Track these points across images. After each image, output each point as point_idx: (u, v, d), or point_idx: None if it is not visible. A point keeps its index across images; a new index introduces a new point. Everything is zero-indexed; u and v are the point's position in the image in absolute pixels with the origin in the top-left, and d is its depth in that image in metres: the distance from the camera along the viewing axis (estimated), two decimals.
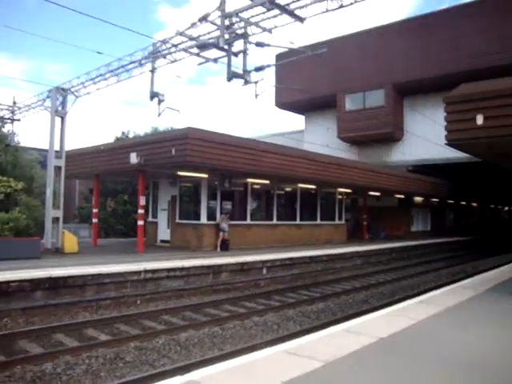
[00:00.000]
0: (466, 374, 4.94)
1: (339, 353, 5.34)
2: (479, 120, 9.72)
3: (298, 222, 24.95)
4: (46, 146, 18.95)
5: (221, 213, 20.57)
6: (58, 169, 18.37)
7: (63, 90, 18.40)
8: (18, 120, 22.85)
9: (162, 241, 22.25)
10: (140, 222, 19.03)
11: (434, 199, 37.52)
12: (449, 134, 10.43)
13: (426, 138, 29.46)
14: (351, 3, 10.29)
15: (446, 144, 10.88)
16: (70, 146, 21.16)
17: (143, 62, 15.73)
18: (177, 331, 9.19)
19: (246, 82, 12.91)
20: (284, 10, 11.10)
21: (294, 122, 49.50)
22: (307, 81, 31.23)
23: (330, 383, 4.55)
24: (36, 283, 11.42)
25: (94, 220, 22.54)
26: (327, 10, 10.76)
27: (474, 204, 48.28)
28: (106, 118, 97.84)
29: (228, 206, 22.37)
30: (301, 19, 11.27)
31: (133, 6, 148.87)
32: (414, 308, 8.50)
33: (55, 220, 17.90)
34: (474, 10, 27.19)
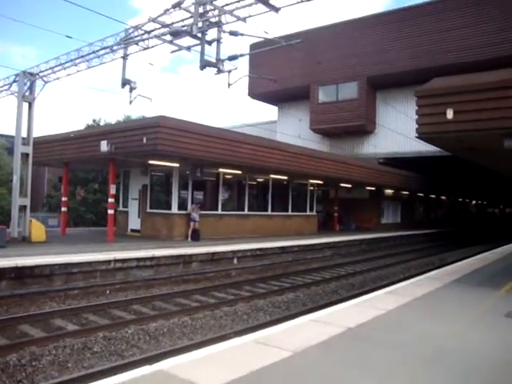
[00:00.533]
0: (430, 362, 5.04)
1: (307, 343, 5.39)
2: (449, 114, 9.87)
3: (269, 212, 25.00)
4: (13, 133, 18.45)
5: (192, 203, 20.45)
6: (25, 156, 17.92)
7: (31, 74, 17.89)
8: None
9: (133, 230, 22.01)
10: (110, 211, 18.77)
11: (405, 192, 38.09)
12: (420, 128, 10.58)
13: (398, 131, 29.84)
14: None
15: (416, 137, 11.02)
16: (38, 132, 20.71)
17: (115, 48, 15.40)
18: (146, 321, 9.12)
19: (219, 71, 12.82)
20: None
21: (268, 112, 49.55)
22: (281, 71, 31.18)
23: (298, 372, 4.59)
24: (1, 273, 11.16)
25: (63, 209, 22.12)
26: (302, 1, 10.73)
27: (443, 197, 49.24)
28: (76, 104, 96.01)
29: (199, 195, 22.27)
30: (275, 9, 11.21)
31: None
32: (382, 298, 8.63)
33: (22, 208, 17.48)
34: (447, 6, 27.55)
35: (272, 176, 24.37)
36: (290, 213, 26.68)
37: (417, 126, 10.59)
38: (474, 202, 63.47)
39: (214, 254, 16.28)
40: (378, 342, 5.77)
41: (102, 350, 7.48)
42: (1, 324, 8.55)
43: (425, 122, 10.46)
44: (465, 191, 50.55)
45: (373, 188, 33.06)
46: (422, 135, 10.68)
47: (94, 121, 35.56)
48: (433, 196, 45.07)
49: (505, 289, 10.10)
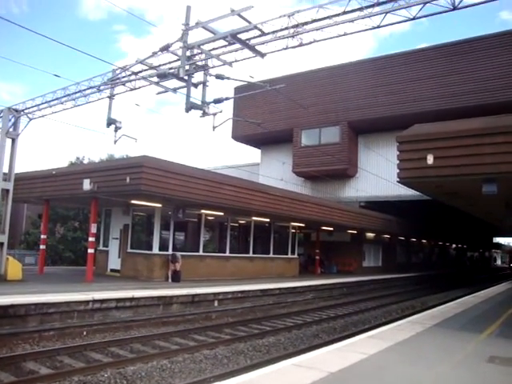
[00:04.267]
0: None
1: None
2: (429, 160, 10.10)
3: (250, 254, 24.86)
4: None
5: (173, 245, 20.28)
6: (5, 192, 17.71)
7: (16, 111, 17.91)
8: None
9: (112, 270, 21.65)
10: (90, 250, 18.48)
11: (386, 235, 38.31)
12: (400, 172, 10.79)
13: (379, 175, 30.31)
14: (310, 42, 10.59)
15: (397, 181, 11.21)
16: (20, 168, 20.50)
17: (102, 87, 15.58)
18: (124, 364, 8.89)
19: (204, 114, 12.98)
20: (245, 44, 11.31)
21: (251, 154, 50.08)
22: (265, 115, 31.77)
23: None
24: None
25: (42, 246, 21.70)
26: (287, 47, 11.04)
27: (424, 241, 49.60)
28: (60, 142, 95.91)
29: (181, 236, 22.11)
30: (261, 54, 11.50)
31: (95, 34, 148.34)
32: (364, 343, 8.56)
33: None
34: (424, 55, 28.65)
35: (254, 218, 24.37)
36: (271, 255, 26.55)
37: (398, 171, 10.80)
38: (454, 245, 64.02)
39: (194, 295, 16.05)
40: None
41: None
42: None
43: (406, 167, 10.68)
44: (445, 235, 51.05)
45: (354, 231, 33.21)
46: (403, 180, 10.87)
47: (77, 158, 35.49)
48: (413, 239, 45.38)
49: (486, 332, 10.11)
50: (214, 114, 13.34)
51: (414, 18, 9.35)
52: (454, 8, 8.93)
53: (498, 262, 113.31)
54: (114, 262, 21.65)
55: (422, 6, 9.20)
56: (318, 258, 32.12)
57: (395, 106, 28.79)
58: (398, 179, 10.95)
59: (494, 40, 26.29)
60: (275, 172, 33.39)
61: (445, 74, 27.21)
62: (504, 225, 22.88)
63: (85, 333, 11.53)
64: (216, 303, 16.78)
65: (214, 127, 13.39)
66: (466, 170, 9.69)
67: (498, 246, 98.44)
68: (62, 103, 16.77)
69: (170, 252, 19.98)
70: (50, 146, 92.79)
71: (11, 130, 17.94)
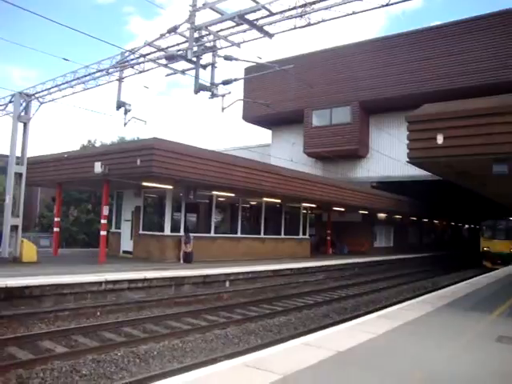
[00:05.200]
0: None
1: (298, 366, 5.37)
2: (439, 139, 10.01)
3: (262, 235, 24.99)
4: (7, 152, 18.48)
5: (185, 226, 20.43)
6: (18, 176, 17.92)
7: (27, 95, 18.03)
8: None
9: (125, 252, 21.94)
10: (103, 232, 18.73)
11: (397, 216, 38.20)
12: (410, 152, 10.71)
13: (391, 155, 30.10)
14: (318, 22, 10.49)
15: (407, 162, 11.15)
16: (33, 152, 20.73)
17: (111, 70, 15.58)
18: (136, 343, 9.05)
19: (213, 95, 12.96)
20: (253, 25, 11.23)
21: (262, 135, 49.92)
22: (275, 95, 31.56)
23: None
24: None
25: (56, 229, 22.05)
26: (295, 27, 10.94)
27: (436, 221, 49.38)
28: (72, 125, 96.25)
29: (193, 218, 22.25)
30: (269, 35, 11.42)
31: (106, 16, 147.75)
32: (374, 322, 8.62)
33: (14, 228, 17.40)
34: (436, 34, 28.15)
35: (265, 199, 24.43)
36: (282, 236, 26.67)
37: (408, 151, 10.74)
38: (466, 226, 63.65)
39: (206, 276, 16.22)
40: (368, 365, 5.76)
41: (91, 372, 7.41)
42: None
43: (416, 147, 10.60)
44: (458, 215, 50.75)
45: (365, 212, 33.16)
46: (413, 160, 10.81)
47: (89, 142, 35.73)
48: (425, 220, 45.20)
49: (496, 313, 10.13)
50: (223, 96, 13.33)
51: None
52: None
53: None
54: (127, 244, 21.92)
55: None
56: (329, 238, 32.19)
57: (407, 85, 28.43)
58: (408, 159, 10.89)
59: (499, 19, 25.79)
60: (286, 153, 33.29)
61: (459, 52, 26.75)
62: None
63: (98, 313, 11.75)
64: (227, 284, 16.95)
65: (222, 108, 13.38)
66: (475, 149, 9.59)
67: None
68: (71, 87, 16.83)
69: (182, 233, 20.14)
70: (61, 129, 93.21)
71: (23, 114, 18.09)
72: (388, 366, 5.75)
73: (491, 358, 6.41)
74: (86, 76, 16.37)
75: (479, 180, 13.56)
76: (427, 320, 9.11)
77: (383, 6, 9.74)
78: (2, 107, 18.89)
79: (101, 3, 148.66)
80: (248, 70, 31.70)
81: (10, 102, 18.37)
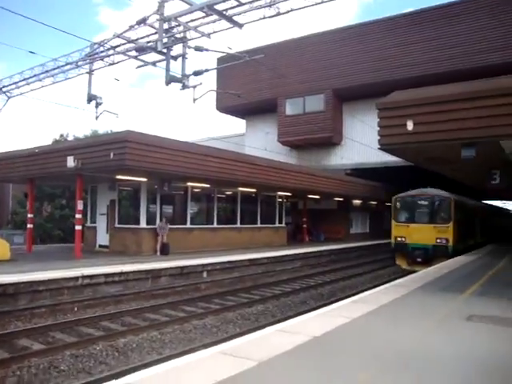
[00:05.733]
0: (393, 367, 5.19)
1: (274, 352, 5.47)
2: (409, 126, 10.20)
3: (238, 225, 25.08)
4: None
5: (160, 217, 20.37)
6: None
7: None
8: None
9: (101, 246, 21.78)
10: (78, 227, 18.55)
11: (373, 202, 38.64)
12: (381, 139, 10.89)
13: (364, 142, 30.39)
14: (287, 11, 10.53)
15: (379, 148, 11.32)
16: (2, 148, 20.34)
17: (80, 63, 15.40)
18: (115, 337, 9.08)
19: (184, 87, 12.93)
20: (222, 15, 11.23)
21: (237, 125, 49.78)
22: (248, 85, 31.56)
23: (263, 381, 4.67)
24: None
25: (29, 225, 21.72)
26: (264, 17, 10.97)
27: None
28: (43, 119, 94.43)
29: (168, 210, 22.20)
30: (239, 25, 11.43)
31: (74, 7, 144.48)
32: (349, 307, 8.78)
33: None
34: (409, 21, 28.42)
35: (240, 189, 24.48)
36: (259, 225, 26.80)
37: (379, 138, 10.91)
38: None
39: (183, 267, 16.25)
40: (343, 349, 5.90)
41: (69, 368, 7.42)
42: None
43: (386, 134, 10.78)
44: None
45: (341, 199, 33.45)
46: (384, 146, 11.00)
47: (61, 136, 35.18)
48: None
49: (468, 292, 10.42)
50: (194, 87, 13.30)
51: None
52: None
53: None
54: (103, 238, 21.76)
55: None
56: (305, 226, 32.45)
57: (379, 72, 28.66)
58: (379, 146, 11.06)
59: (473, 4, 26.17)
60: (261, 142, 33.37)
61: (429, 39, 27.04)
62: (486, 189, 23.18)
63: (76, 308, 11.70)
64: (205, 274, 17.01)
65: (194, 99, 13.37)
66: (444, 135, 9.80)
67: None
68: (40, 80, 16.61)
69: (158, 223, 20.12)
70: (33, 124, 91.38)
71: None
72: (362, 348, 5.89)
73: (461, 337, 6.61)
74: (54, 69, 16.16)
75: (449, 165, 13.84)
76: (401, 302, 9.31)
77: None
78: None
79: None
80: (220, 60, 31.51)
81: None
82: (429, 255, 19.82)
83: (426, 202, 21.05)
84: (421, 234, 20.27)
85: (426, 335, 6.66)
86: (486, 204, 36.62)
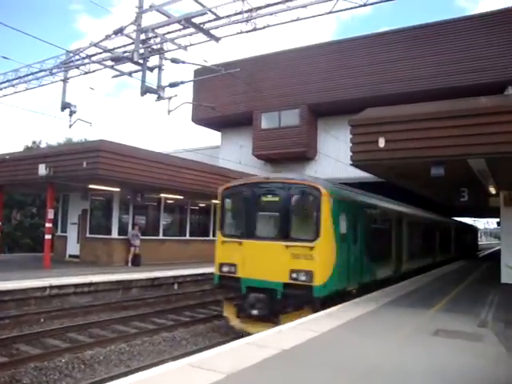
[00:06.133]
0: (360, 380, 5.24)
1: (242, 365, 5.48)
2: (381, 143, 10.39)
3: (211, 237, 24.98)
4: None
5: (132, 227, 20.18)
6: None
7: None
8: None
9: (71, 256, 21.43)
10: (47, 236, 18.23)
11: None
12: (354, 155, 11.05)
13: (338, 157, 30.65)
14: (264, 27, 10.67)
15: (351, 164, 11.48)
16: None
17: (54, 71, 15.25)
18: (82, 349, 8.95)
19: (160, 98, 12.93)
20: (199, 28, 11.31)
21: (212, 137, 49.86)
22: (224, 98, 31.64)
23: None
24: None
25: None
26: (241, 32, 11.09)
27: None
28: (16, 126, 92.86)
29: (141, 220, 22.01)
30: (216, 38, 11.51)
31: (53, 13, 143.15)
32: (319, 321, 8.82)
33: None
34: (385, 39, 28.98)
35: (214, 201, 24.39)
36: None
37: (351, 154, 11.07)
38: None
39: (154, 279, 16.11)
40: (312, 362, 5.93)
41: (32, 381, 7.28)
42: None
43: (358, 150, 10.95)
44: None
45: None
46: (356, 162, 11.16)
47: (33, 143, 34.64)
48: None
49: (435, 308, 10.59)
50: (169, 98, 13.31)
51: (364, 5, 9.54)
52: None
53: None
54: (73, 248, 21.43)
55: None
56: None
57: (354, 89, 29.06)
58: (351, 162, 11.22)
59: (450, 25, 26.83)
60: (235, 155, 33.37)
61: (404, 58, 27.55)
62: (456, 206, 23.65)
63: (42, 320, 11.48)
64: (176, 286, 16.89)
65: (169, 111, 13.36)
66: (415, 153, 10.01)
67: None
68: (13, 86, 16.38)
69: (130, 232, 19.92)
70: (4, 130, 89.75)
71: None
72: (331, 362, 5.94)
73: (426, 351, 6.72)
74: (28, 75, 15.97)
75: (420, 181, 14.11)
76: (370, 317, 9.41)
77: (327, 13, 10.03)
78: None
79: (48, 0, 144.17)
80: (197, 72, 31.53)
81: None
82: (276, 304, 10.37)
83: (275, 198, 11.26)
84: (263, 260, 10.69)
85: (393, 349, 6.75)
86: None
